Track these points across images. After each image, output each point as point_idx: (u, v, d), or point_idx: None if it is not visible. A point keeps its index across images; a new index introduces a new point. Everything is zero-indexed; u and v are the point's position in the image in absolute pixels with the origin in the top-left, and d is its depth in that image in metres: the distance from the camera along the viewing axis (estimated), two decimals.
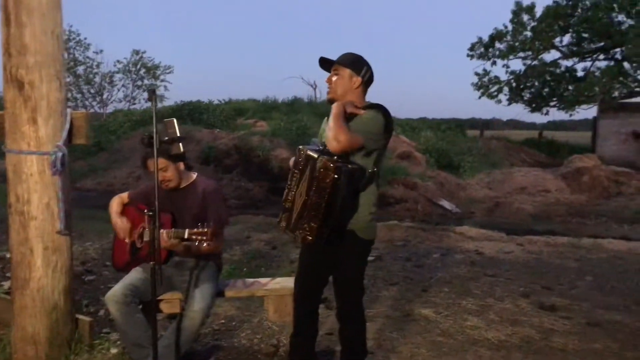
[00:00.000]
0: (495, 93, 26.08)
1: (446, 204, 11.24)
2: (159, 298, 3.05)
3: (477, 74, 25.90)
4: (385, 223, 8.36)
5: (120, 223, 3.03)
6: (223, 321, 3.92)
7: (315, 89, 25.47)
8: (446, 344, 3.58)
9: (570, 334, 3.78)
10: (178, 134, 2.40)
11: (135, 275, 2.96)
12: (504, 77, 25.91)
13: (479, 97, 26.08)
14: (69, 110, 3.14)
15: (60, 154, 2.96)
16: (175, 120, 2.41)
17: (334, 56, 2.67)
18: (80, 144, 3.26)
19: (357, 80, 2.61)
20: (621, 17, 23.24)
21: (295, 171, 2.51)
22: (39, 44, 2.92)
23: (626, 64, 23.22)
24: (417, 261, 5.88)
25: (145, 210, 2.33)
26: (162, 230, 2.72)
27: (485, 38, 25.33)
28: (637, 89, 24.26)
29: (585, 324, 3.98)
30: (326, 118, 2.75)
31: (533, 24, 24.51)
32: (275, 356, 3.35)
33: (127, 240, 3.03)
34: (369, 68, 2.65)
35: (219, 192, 3.14)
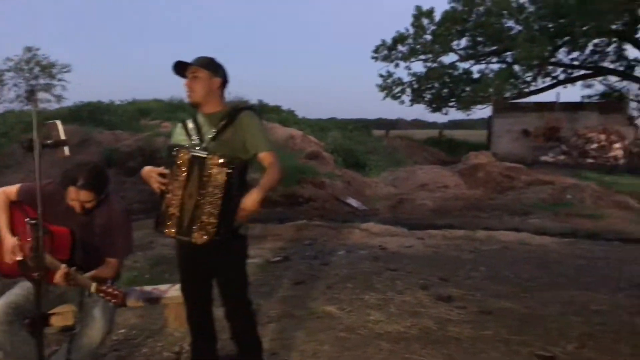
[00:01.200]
0: (399, 94, 27.14)
1: (353, 201, 11.48)
2: (50, 312, 2.86)
3: (381, 75, 26.86)
4: (294, 222, 8.42)
5: (11, 247, 2.63)
6: (123, 330, 3.77)
7: None
8: (349, 339, 3.66)
9: (465, 323, 3.98)
10: (62, 137, 2.27)
11: (18, 291, 2.70)
12: (406, 78, 26.99)
13: (384, 98, 27.06)
14: None
15: None
16: (59, 123, 2.28)
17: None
18: None
19: (217, 80, 2.65)
20: (511, 23, 24.94)
21: (177, 174, 2.45)
22: None
23: (516, 67, 24.95)
24: (323, 259, 5.98)
25: (27, 220, 2.17)
26: (59, 264, 2.52)
27: (389, 41, 26.24)
28: (526, 90, 26.16)
29: (479, 312, 4.22)
30: (180, 124, 2.75)
31: (433, 27, 25.70)
32: None
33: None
34: (224, 69, 2.70)
35: (128, 216, 2.94)
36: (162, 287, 3.33)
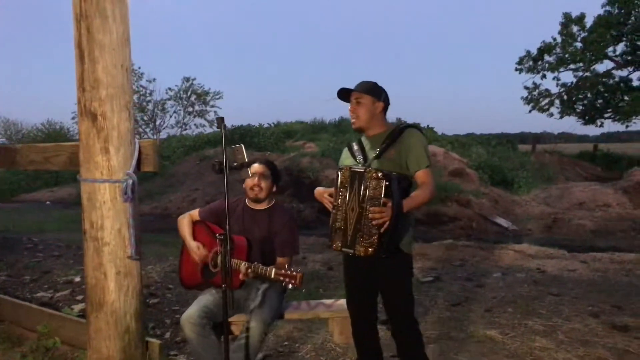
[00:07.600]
0: (547, 106, 25.62)
1: (502, 221, 10.98)
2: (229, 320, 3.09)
3: (526, 87, 25.59)
4: (440, 242, 8.24)
5: (196, 249, 3.08)
6: (286, 343, 3.94)
7: None
8: None
9: None
10: (246, 160, 2.46)
11: (208, 297, 3.02)
12: (554, 90, 25.41)
13: (529, 111, 25.75)
14: (137, 139, 3.26)
15: (130, 182, 3.07)
16: (243, 147, 2.47)
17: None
18: (148, 171, 3.37)
19: (380, 105, 2.74)
20: None
21: (341, 190, 2.58)
22: (110, 77, 3.06)
23: None
24: (477, 281, 5.76)
25: (217, 235, 2.39)
26: (241, 262, 2.77)
27: (534, 51, 24.93)
28: None
29: None
30: (346, 148, 2.89)
31: (583, 34, 23.97)
32: None
33: (199, 263, 3.08)
34: (386, 92, 2.78)
35: (295, 220, 3.25)
36: (327, 301, 3.42)
